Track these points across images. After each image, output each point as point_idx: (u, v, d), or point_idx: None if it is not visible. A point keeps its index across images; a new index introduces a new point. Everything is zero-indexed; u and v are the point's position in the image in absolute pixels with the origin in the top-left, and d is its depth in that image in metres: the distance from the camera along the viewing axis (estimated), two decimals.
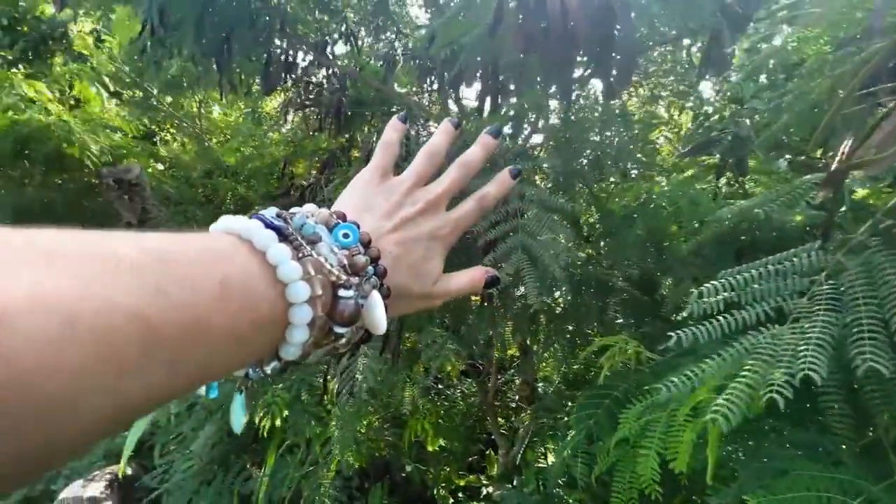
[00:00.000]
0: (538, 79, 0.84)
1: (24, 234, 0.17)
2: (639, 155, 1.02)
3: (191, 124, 3.93)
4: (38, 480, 2.29)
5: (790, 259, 0.47)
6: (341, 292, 0.26)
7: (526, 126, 0.91)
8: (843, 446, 0.45)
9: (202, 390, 0.27)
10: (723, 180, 1.17)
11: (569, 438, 0.83)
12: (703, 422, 0.42)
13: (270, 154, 3.36)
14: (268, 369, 0.26)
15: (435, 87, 1.63)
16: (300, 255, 0.25)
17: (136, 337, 0.17)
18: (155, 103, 3.88)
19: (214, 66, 1.75)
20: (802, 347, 0.37)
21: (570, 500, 1.40)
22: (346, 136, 2.11)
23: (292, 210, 0.28)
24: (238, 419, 0.30)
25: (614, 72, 0.75)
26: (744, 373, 0.38)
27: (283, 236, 0.25)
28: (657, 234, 0.87)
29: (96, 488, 1.91)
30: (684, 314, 0.48)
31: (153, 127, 4.10)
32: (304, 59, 1.92)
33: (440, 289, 0.34)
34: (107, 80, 3.40)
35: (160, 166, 3.77)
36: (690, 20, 0.78)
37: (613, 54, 0.72)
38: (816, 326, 0.38)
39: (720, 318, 0.45)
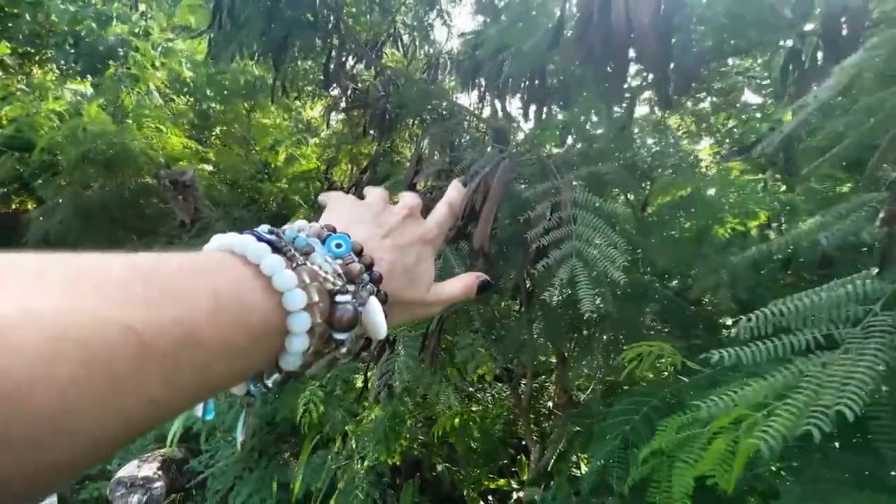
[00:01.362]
0: (586, 90, 0.86)
1: (8, 257, 0.17)
2: (678, 162, 1.01)
3: (239, 130, 4.11)
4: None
5: (844, 286, 0.47)
6: (339, 298, 0.26)
7: (572, 135, 0.93)
8: (893, 473, 0.44)
9: (199, 411, 0.26)
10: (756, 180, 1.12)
11: (605, 441, 0.83)
12: (734, 435, 0.43)
13: (312, 158, 3.47)
14: (269, 382, 0.26)
15: (480, 90, 1.66)
16: (294, 265, 0.25)
17: (127, 350, 0.17)
18: (206, 109, 4.10)
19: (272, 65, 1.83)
20: (848, 380, 0.37)
21: None
22: (389, 141, 2.16)
23: (283, 227, 0.28)
24: (238, 435, 0.30)
25: (672, 82, 0.76)
26: (791, 399, 0.38)
27: (276, 248, 0.25)
28: (707, 228, 0.86)
29: (149, 469, 2.04)
30: (732, 331, 0.49)
31: (205, 132, 4.33)
32: (354, 60, 1.98)
33: (434, 295, 0.34)
34: (155, 90, 3.61)
35: (209, 167, 3.97)
36: (765, 34, 0.77)
37: (672, 65, 0.73)
38: (865, 358, 0.38)
39: (768, 341, 0.45)
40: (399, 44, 1.90)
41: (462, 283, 0.36)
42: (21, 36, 4.57)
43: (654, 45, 0.67)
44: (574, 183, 0.70)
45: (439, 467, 2.24)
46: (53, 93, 3.21)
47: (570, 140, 1.02)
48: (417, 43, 2.06)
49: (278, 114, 4.01)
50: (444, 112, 1.77)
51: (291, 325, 0.24)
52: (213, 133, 4.42)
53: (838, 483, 0.45)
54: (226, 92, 3.68)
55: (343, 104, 2.13)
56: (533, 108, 0.99)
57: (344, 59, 1.79)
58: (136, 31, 3.68)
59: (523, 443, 2.17)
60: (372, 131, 1.96)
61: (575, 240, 0.61)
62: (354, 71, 1.98)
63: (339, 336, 0.26)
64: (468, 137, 1.50)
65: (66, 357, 0.15)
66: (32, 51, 4.83)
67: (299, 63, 1.84)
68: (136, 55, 3.36)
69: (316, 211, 2.67)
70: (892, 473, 0.48)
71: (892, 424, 0.45)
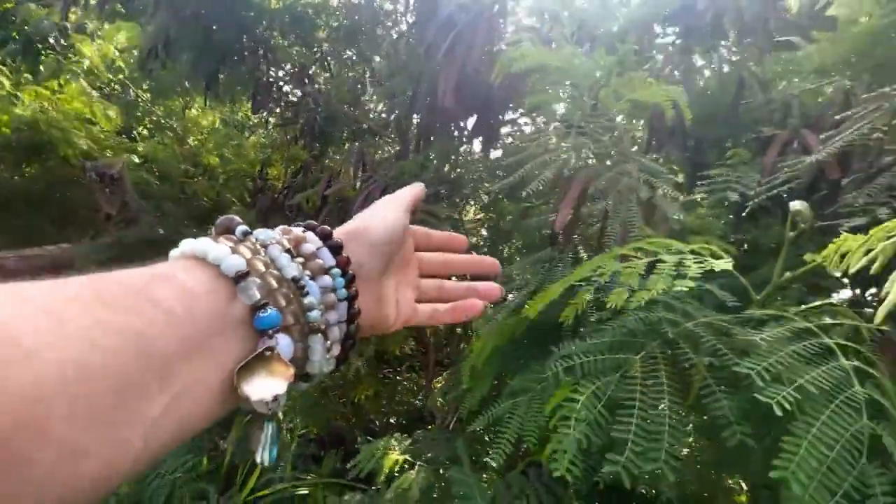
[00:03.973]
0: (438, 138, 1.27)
1: None
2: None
3: (172, 123, 4.12)
4: None
5: (540, 256, 0.87)
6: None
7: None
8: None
9: (259, 456, 0.25)
10: None
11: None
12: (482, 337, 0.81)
13: (248, 158, 3.60)
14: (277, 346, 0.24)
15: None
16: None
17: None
18: (137, 100, 4.08)
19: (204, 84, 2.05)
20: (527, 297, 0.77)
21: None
22: (319, 148, 2.43)
23: None
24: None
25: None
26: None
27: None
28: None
29: None
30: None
31: (132, 123, 4.28)
32: (284, 82, 2.23)
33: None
34: (85, 81, 3.58)
35: (136, 159, 3.95)
36: None
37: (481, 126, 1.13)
38: (534, 282, 0.78)
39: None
40: (328, 66, 2.17)
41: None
42: None
43: (455, 112, 1.06)
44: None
45: (360, 439, 2.52)
46: None
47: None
48: (341, 65, 2.34)
49: (218, 110, 4.07)
50: (365, 127, 2.08)
51: (224, 267, 0.23)
52: (144, 124, 4.38)
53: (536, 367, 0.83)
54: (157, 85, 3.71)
55: (277, 119, 2.37)
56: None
57: (273, 82, 2.04)
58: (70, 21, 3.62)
59: (433, 413, 2.51)
60: (302, 140, 2.22)
61: None
62: (285, 89, 2.23)
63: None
64: (382, 154, 1.82)
65: None
66: None
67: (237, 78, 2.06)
68: (76, 45, 3.33)
69: (249, 209, 2.85)
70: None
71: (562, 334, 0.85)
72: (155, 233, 3.60)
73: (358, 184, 1.57)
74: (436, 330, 2.05)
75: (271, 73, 2.14)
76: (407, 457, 1.33)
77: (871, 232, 0.54)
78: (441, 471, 1.41)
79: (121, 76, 3.78)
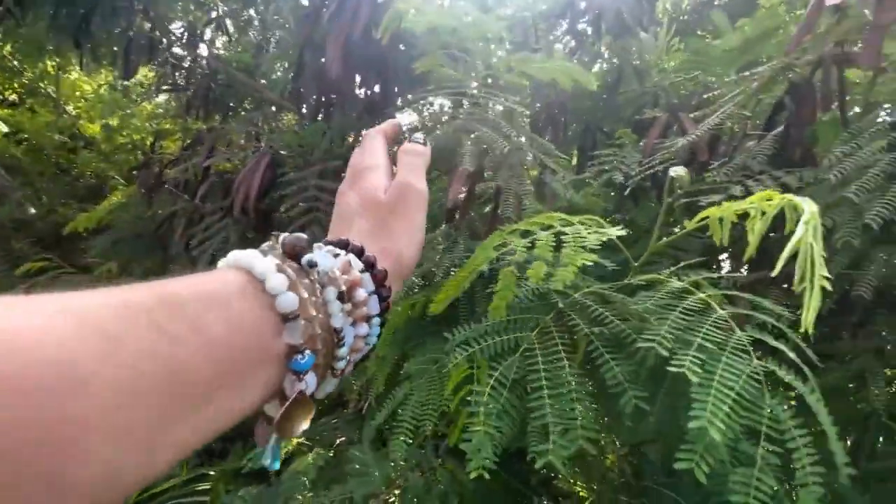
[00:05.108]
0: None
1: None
2: None
3: (44, 87, 3.60)
4: None
5: (437, 234, 0.93)
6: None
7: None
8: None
9: (267, 461, 0.27)
10: None
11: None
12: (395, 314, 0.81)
13: (138, 128, 3.25)
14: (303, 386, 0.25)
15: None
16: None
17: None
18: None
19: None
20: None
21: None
22: (220, 120, 2.23)
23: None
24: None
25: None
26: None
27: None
28: None
29: None
30: None
31: None
32: (170, 43, 2.01)
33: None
34: None
35: (3, 127, 3.41)
36: None
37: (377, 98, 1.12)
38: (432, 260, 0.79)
39: None
40: (224, 29, 1.99)
41: None
42: None
43: (344, 84, 1.03)
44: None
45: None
46: None
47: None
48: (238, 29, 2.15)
49: (103, 74, 3.61)
50: (259, 95, 1.94)
51: (276, 295, 0.24)
52: (12, 88, 3.77)
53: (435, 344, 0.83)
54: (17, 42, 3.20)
55: (167, 82, 2.13)
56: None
57: (156, 43, 1.83)
58: None
59: (344, 398, 2.48)
60: (194, 108, 2.03)
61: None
62: (170, 51, 2.01)
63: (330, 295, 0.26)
64: (283, 126, 1.71)
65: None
66: None
67: (112, 35, 1.81)
68: None
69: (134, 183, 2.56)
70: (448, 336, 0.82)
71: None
72: (25, 212, 3.15)
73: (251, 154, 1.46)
74: None
75: (156, 32, 1.91)
76: (303, 440, 1.30)
77: (747, 199, 0.55)
78: (346, 452, 1.39)
79: None
